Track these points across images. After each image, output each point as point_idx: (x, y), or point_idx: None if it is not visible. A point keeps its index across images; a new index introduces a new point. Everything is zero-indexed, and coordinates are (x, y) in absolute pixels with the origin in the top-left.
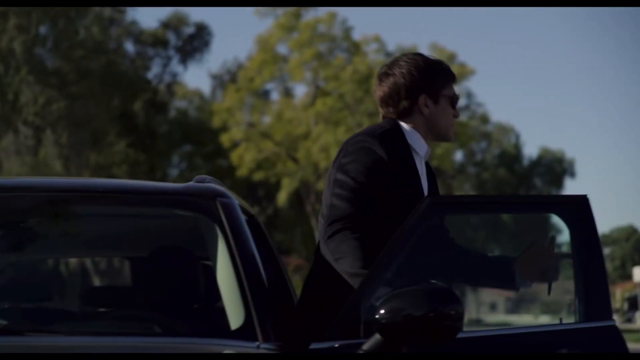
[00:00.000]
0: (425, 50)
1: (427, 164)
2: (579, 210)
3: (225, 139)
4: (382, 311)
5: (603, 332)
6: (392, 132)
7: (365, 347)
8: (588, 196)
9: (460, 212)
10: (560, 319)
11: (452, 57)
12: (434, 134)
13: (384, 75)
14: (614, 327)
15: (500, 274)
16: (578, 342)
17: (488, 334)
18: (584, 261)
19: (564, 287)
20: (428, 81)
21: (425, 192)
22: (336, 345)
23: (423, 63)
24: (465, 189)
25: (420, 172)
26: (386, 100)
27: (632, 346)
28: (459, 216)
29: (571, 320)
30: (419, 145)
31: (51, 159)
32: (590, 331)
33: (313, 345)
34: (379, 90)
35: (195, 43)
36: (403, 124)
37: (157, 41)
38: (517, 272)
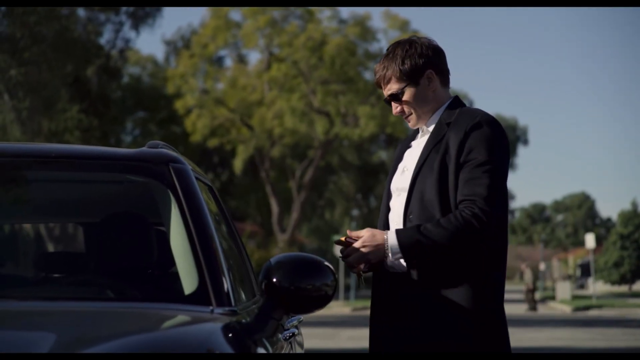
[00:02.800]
0: (378, 18)
1: (437, 127)
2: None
3: (179, 106)
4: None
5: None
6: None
7: None
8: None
9: None
10: None
11: (405, 24)
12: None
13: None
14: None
15: None
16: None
17: None
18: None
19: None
20: (437, 58)
21: (404, 166)
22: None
23: (429, 43)
24: None
25: (406, 149)
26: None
27: (587, 313)
28: None
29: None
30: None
31: (9, 123)
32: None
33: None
34: (399, 67)
35: (147, 8)
36: None
37: (109, 6)
38: None
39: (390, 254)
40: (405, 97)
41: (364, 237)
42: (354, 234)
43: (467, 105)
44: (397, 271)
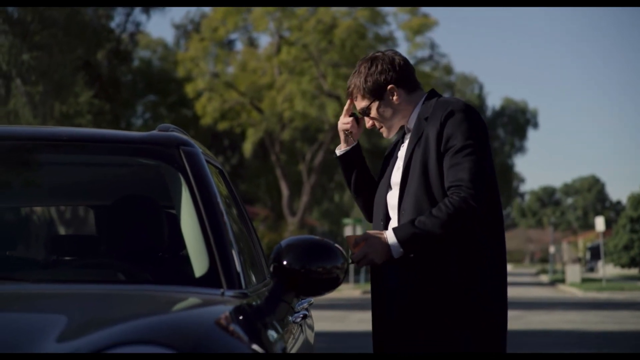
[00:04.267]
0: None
1: (417, 122)
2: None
3: (189, 89)
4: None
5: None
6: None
7: None
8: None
9: None
10: None
11: (415, 9)
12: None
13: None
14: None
15: None
16: None
17: None
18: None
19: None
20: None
21: (392, 163)
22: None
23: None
24: None
25: (398, 144)
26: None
27: (594, 295)
28: None
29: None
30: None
31: (21, 107)
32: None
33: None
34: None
35: None
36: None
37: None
38: None
39: (393, 253)
40: (372, 113)
41: (368, 243)
42: (354, 239)
43: (477, 90)
44: (396, 265)
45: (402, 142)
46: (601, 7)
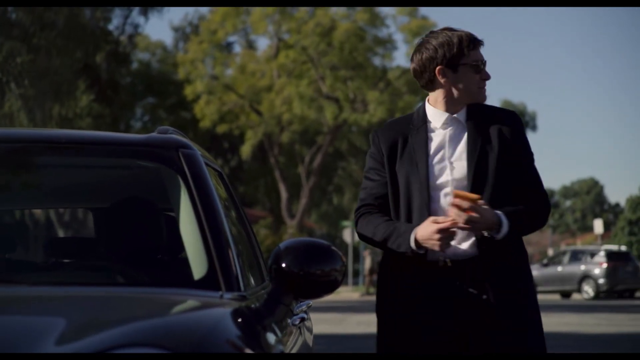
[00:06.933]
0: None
1: (479, 120)
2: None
3: (188, 91)
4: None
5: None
6: (392, 122)
7: None
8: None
9: None
10: None
11: (414, 10)
12: (462, 98)
13: (414, 52)
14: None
15: None
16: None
17: None
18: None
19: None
20: (444, 53)
21: (448, 157)
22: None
23: (442, 37)
24: None
25: (429, 144)
26: (415, 75)
27: (591, 297)
28: None
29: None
30: (435, 116)
31: (16, 111)
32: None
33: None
34: (411, 66)
35: None
36: (428, 100)
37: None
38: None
39: (501, 231)
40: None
41: (480, 211)
42: (469, 198)
43: None
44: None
45: (428, 137)
46: (601, 8)
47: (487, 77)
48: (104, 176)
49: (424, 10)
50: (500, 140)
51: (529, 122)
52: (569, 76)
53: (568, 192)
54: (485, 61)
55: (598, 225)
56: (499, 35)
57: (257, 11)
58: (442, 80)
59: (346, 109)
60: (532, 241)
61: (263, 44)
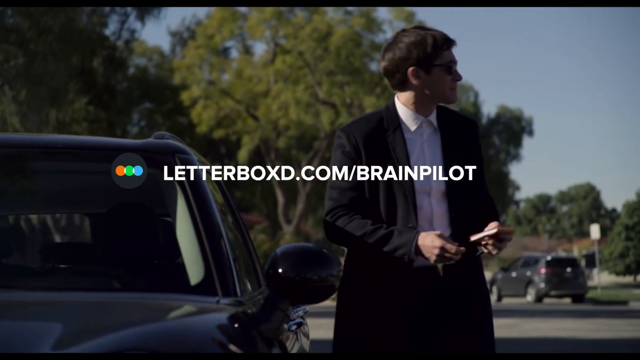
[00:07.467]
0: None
1: (447, 124)
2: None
3: (185, 97)
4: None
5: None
6: (362, 121)
7: None
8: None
9: None
10: None
11: (411, 15)
12: (433, 99)
13: (385, 50)
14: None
15: None
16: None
17: None
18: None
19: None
20: (417, 54)
21: (427, 161)
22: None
23: (415, 36)
24: None
25: (407, 147)
26: (386, 74)
27: (590, 305)
28: None
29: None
30: (408, 118)
31: (9, 116)
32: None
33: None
34: (381, 64)
35: None
36: (398, 100)
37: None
38: None
39: None
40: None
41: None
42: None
43: (472, 97)
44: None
45: (404, 137)
46: (599, 12)
47: (459, 78)
48: (100, 182)
49: (420, 16)
50: (467, 145)
51: (525, 127)
52: (566, 81)
53: (565, 197)
54: (456, 61)
55: (595, 231)
56: (496, 40)
57: (254, 16)
58: (414, 82)
59: (343, 114)
60: (529, 247)
61: (260, 49)
